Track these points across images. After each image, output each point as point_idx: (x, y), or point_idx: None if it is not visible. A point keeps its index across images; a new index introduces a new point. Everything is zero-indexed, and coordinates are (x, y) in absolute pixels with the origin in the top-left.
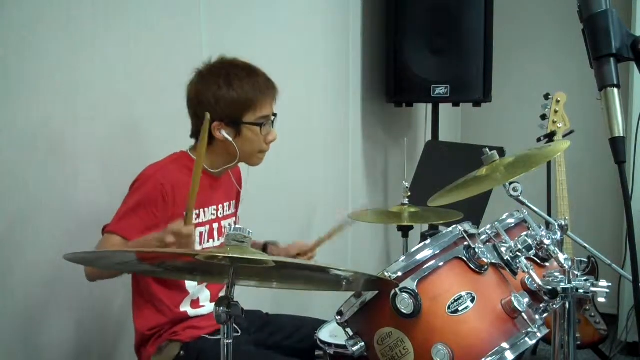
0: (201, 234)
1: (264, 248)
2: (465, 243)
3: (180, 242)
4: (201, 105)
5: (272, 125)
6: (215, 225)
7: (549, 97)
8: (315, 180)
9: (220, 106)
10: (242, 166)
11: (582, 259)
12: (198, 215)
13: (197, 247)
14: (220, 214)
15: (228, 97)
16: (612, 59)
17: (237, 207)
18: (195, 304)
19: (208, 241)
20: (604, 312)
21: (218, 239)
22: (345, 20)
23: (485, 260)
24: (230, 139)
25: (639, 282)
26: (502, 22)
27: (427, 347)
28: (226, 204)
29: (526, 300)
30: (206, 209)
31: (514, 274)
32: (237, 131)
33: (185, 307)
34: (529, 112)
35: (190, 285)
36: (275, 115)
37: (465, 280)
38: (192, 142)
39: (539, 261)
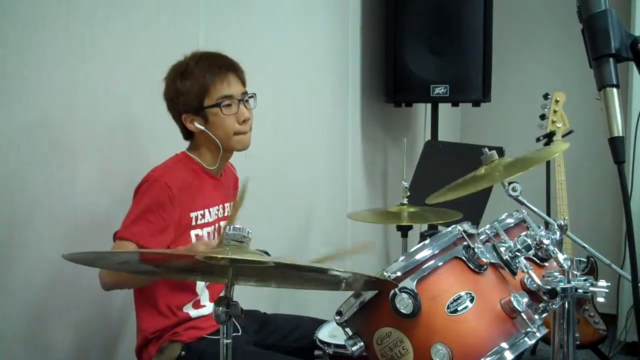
0: (209, 234)
1: None
2: (465, 243)
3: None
4: (169, 104)
5: (241, 104)
6: (216, 226)
7: (548, 97)
8: (314, 180)
9: (181, 99)
10: (242, 164)
11: (581, 259)
12: (203, 216)
13: None
14: (221, 214)
15: (184, 87)
16: (611, 59)
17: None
18: (197, 304)
19: (213, 241)
20: (603, 312)
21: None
22: (344, 20)
23: (485, 260)
24: (202, 128)
25: (638, 282)
26: (501, 22)
27: (426, 346)
28: (227, 205)
29: (525, 300)
30: (211, 209)
31: (513, 273)
32: (204, 118)
33: (188, 309)
34: (528, 112)
35: (199, 287)
36: (246, 94)
37: (464, 280)
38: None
39: (538, 261)
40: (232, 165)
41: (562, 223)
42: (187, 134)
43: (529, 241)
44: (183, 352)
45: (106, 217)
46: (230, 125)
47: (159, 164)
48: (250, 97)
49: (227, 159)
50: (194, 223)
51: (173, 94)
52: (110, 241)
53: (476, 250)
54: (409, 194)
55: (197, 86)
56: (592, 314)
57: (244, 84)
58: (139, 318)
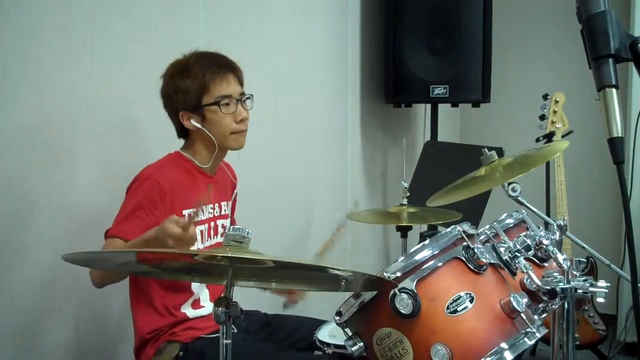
0: (201, 232)
1: None
2: (464, 243)
3: (181, 243)
4: (167, 101)
5: (239, 104)
6: (212, 224)
7: (548, 97)
8: (314, 180)
9: (180, 96)
10: (241, 165)
11: (581, 259)
12: (196, 214)
13: (200, 246)
14: (217, 212)
15: (182, 85)
16: (610, 60)
17: (233, 209)
18: (196, 304)
19: (207, 240)
20: (602, 312)
21: (214, 237)
22: (344, 21)
23: (484, 261)
24: (199, 125)
25: (637, 282)
26: (500, 22)
27: (426, 347)
28: (223, 204)
29: (525, 300)
30: (204, 208)
31: (513, 274)
32: (202, 116)
33: (186, 309)
34: (528, 112)
35: (195, 285)
36: (244, 94)
37: (464, 281)
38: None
39: (537, 261)
40: (230, 168)
41: (562, 223)
42: (182, 132)
43: (529, 241)
44: (181, 353)
45: (105, 217)
46: (228, 124)
47: (152, 163)
48: (247, 98)
49: (222, 157)
50: None
51: (171, 90)
52: None
53: (476, 250)
54: (408, 194)
55: (197, 84)
56: (591, 314)
57: (241, 84)
58: (135, 318)
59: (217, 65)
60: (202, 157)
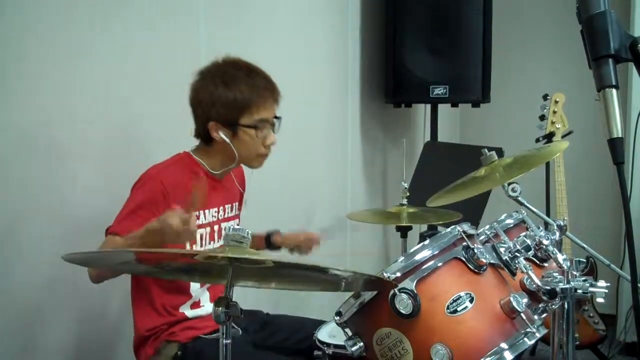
0: (202, 235)
1: (267, 238)
2: (464, 243)
3: (182, 230)
4: (199, 105)
5: (272, 128)
6: (216, 227)
7: (548, 97)
8: (314, 180)
9: (216, 107)
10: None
11: (581, 260)
12: (198, 217)
13: (200, 249)
14: (221, 215)
15: (224, 97)
16: (610, 60)
17: (239, 208)
18: (195, 305)
19: (209, 243)
20: (602, 313)
21: (218, 241)
22: (344, 21)
23: (484, 261)
24: (227, 140)
25: (637, 282)
26: (501, 22)
27: (426, 347)
28: (227, 206)
29: (525, 300)
30: (207, 211)
31: (513, 274)
32: (234, 133)
33: (185, 309)
34: (528, 112)
35: (194, 288)
36: (277, 118)
37: (464, 281)
38: (195, 142)
39: (537, 261)
40: (241, 171)
41: (562, 223)
42: (203, 136)
43: (529, 242)
44: (179, 352)
45: (105, 217)
46: (257, 147)
47: (158, 162)
48: (278, 122)
49: (234, 168)
50: None
51: (209, 98)
52: None
53: (476, 250)
54: (408, 194)
55: (240, 100)
56: (591, 314)
57: (278, 106)
58: (135, 316)
59: (265, 88)
60: (215, 164)
